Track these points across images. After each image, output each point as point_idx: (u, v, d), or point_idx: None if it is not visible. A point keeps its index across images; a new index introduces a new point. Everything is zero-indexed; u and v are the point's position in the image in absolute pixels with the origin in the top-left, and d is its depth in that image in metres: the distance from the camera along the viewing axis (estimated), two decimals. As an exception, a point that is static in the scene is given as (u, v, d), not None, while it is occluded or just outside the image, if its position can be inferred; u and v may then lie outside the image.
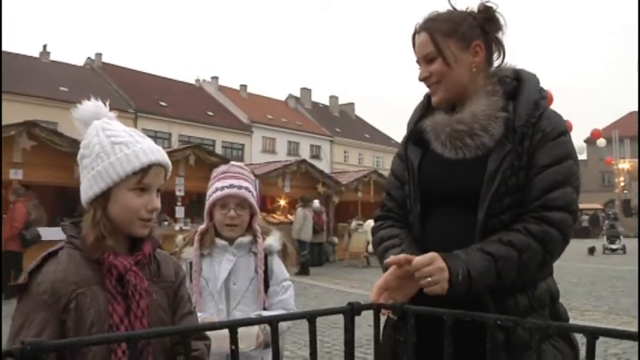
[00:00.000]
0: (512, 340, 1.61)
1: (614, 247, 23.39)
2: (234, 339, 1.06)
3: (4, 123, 12.73)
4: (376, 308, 1.36)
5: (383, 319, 1.74)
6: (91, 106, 1.73)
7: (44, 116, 32.67)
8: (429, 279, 1.58)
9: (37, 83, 38.38)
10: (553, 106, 1.89)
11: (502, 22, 1.89)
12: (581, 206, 48.62)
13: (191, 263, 2.52)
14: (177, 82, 54.02)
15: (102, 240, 1.61)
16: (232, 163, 2.77)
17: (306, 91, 65.21)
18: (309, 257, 16.44)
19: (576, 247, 22.11)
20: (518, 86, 1.84)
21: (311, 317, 1.15)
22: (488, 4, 1.87)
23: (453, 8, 1.89)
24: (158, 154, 1.69)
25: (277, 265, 2.66)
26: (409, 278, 1.64)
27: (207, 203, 2.59)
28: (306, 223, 16.45)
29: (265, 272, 2.58)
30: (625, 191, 46.27)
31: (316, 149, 57.62)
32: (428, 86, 1.91)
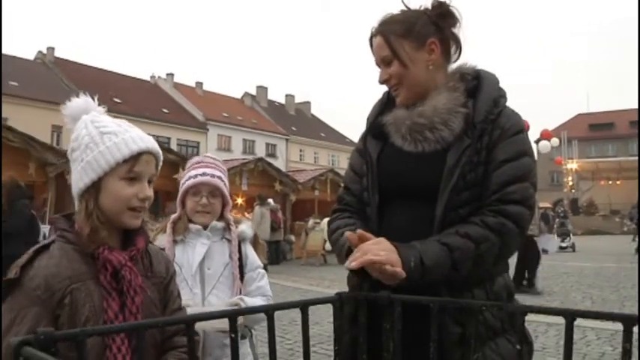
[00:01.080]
0: (467, 334, 1.56)
1: (563, 245, 23.34)
2: (233, 327, 1.08)
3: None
4: (363, 298, 1.40)
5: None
6: (80, 102, 1.70)
7: (-8, 111, 31.86)
8: (381, 255, 1.58)
9: (-16, 77, 37.44)
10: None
11: (457, 15, 1.88)
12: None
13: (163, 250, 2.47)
14: (132, 78, 53.37)
15: (97, 232, 1.58)
16: (206, 154, 2.77)
17: (262, 90, 65.08)
18: (267, 255, 16.42)
19: (528, 244, 22.62)
20: (479, 84, 1.85)
21: (303, 306, 1.19)
22: (442, 0, 1.87)
23: (407, 8, 1.89)
24: (148, 141, 1.67)
25: (251, 252, 2.67)
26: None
27: (180, 191, 2.59)
28: (264, 221, 16.41)
29: (240, 259, 2.58)
30: (573, 190, 47.65)
31: (272, 148, 57.62)
32: (389, 88, 1.93)
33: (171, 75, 56.60)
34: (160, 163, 1.74)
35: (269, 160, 24.75)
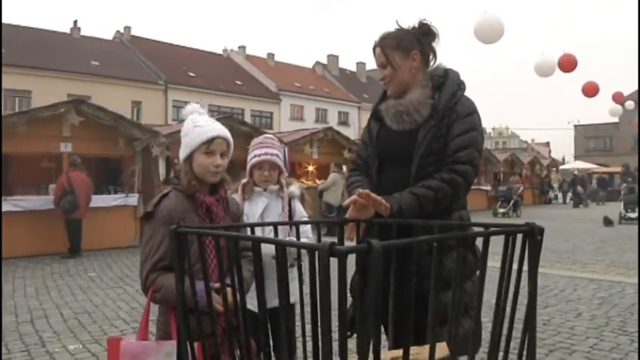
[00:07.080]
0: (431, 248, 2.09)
1: (632, 215, 19.36)
2: (276, 231, 1.97)
3: (49, 101, 13.62)
4: (357, 221, 2.27)
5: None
6: (189, 107, 2.69)
7: (77, 90, 33.48)
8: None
9: (69, 58, 39.33)
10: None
11: (435, 33, 2.65)
12: (610, 170, 47.13)
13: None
14: (206, 52, 54.47)
15: (191, 183, 2.54)
16: (265, 135, 3.74)
17: (333, 58, 65.06)
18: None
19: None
20: (444, 81, 2.61)
21: (317, 224, 2.04)
22: (424, 22, 2.64)
23: (400, 27, 2.65)
24: (220, 131, 2.59)
25: (298, 206, 3.65)
26: (364, 209, 2.37)
27: (248, 165, 3.55)
28: (337, 187, 16.79)
29: (290, 211, 3.55)
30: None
31: (344, 116, 58.04)
32: (384, 84, 2.71)
33: (243, 47, 57.43)
34: (231, 145, 2.66)
35: (341, 128, 25.27)
